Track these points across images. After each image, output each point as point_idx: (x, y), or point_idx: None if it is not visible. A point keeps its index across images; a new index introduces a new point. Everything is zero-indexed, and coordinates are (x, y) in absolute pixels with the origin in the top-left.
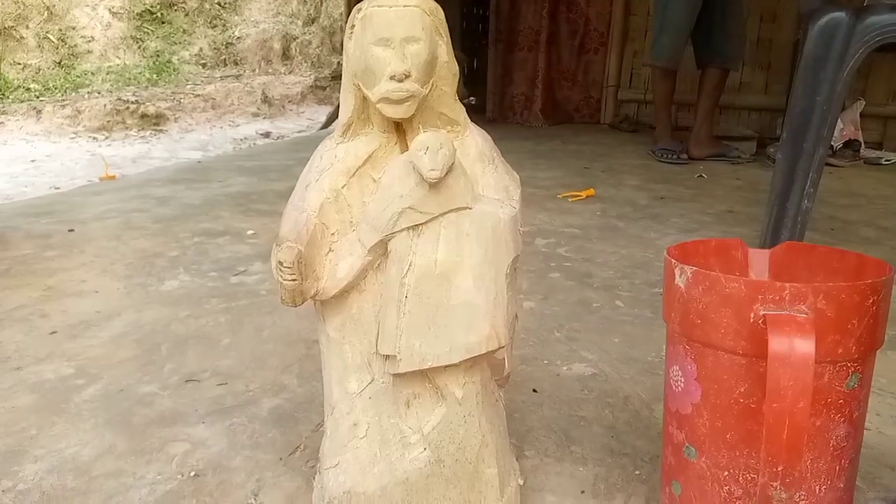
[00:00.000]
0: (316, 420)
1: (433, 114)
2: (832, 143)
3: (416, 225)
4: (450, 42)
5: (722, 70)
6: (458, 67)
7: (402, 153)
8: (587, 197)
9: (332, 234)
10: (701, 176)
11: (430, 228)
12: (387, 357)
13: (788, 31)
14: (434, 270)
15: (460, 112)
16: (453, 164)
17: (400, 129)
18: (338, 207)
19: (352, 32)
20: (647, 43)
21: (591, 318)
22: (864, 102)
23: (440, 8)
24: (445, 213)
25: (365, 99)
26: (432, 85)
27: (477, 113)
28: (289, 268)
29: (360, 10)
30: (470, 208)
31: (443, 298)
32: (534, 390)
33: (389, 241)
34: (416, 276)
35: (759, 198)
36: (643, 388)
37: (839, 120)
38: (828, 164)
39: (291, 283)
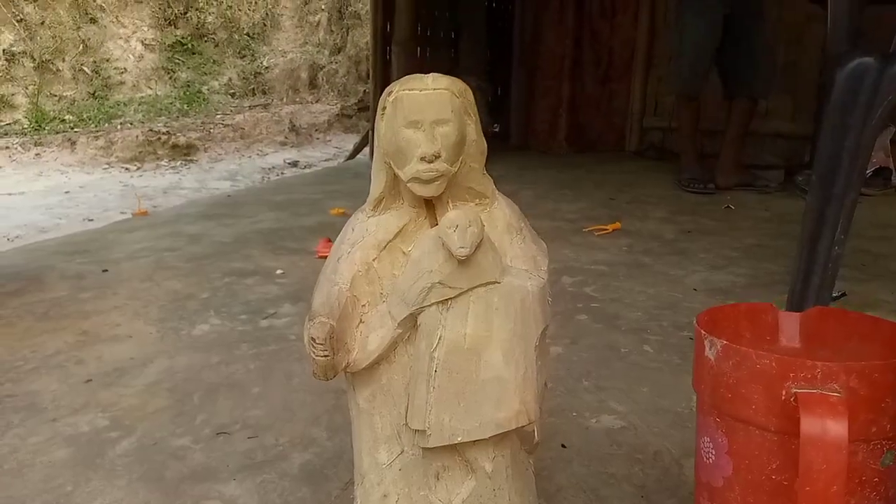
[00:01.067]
0: (345, 477)
1: (462, 189)
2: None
3: (446, 299)
4: (478, 121)
5: (750, 101)
6: (485, 145)
7: (431, 227)
8: (613, 231)
9: (363, 305)
10: (728, 207)
11: (460, 303)
12: (416, 431)
13: (814, 54)
14: (463, 345)
15: (488, 185)
16: (482, 239)
17: (430, 203)
18: (369, 280)
19: (383, 114)
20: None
21: (619, 364)
22: (895, 129)
23: (469, 89)
24: (474, 287)
25: (396, 176)
26: (461, 162)
27: (500, 140)
28: (321, 344)
29: (390, 92)
30: (499, 282)
31: (472, 373)
32: (562, 445)
33: (419, 314)
34: (446, 350)
35: (787, 230)
36: (672, 442)
37: None
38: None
39: (324, 359)
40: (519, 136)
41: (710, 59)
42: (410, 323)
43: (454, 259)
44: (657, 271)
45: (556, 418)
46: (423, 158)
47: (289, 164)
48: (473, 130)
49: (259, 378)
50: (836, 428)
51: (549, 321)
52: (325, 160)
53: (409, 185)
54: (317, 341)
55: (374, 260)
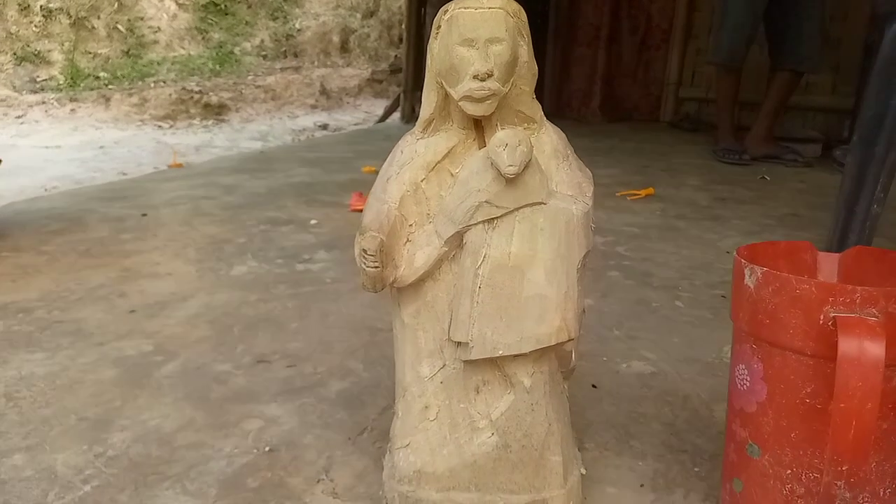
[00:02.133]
0: (382, 404)
1: (511, 111)
2: None
3: (492, 218)
4: (531, 43)
5: (792, 73)
6: (537, 67)
7: (480, 149)
8: (646, 196)
9: (411, 224)
10: (764, 178)
11: (505, 222)
12: (458, 344)
13: (858, 29)
14: (508, 263)
15: (537, 110)
16: (530, 160)
17: (479, 125)
18: (416, 200)
19: (437, 33)
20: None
21: (650, 317)
22: None
23: (523, 10)
24: (520, 207)
25: (447, 96)
26: (512, 84)
27: None
28: (372, 256)
29: (446, 11)
30: (544, 204)
31: (515, 290)
32: (593, 385)
33: (465, 233)
34: (490, 268)
35: (823, 202)
36: (703, 388)
37: None
38: None
39: (374, 270)
40: (553, 105)
41: (754, 31)
42: (456, 241)
43: (502, 179)
44: (690, 235)
45: (587, 362)
46: (475, 76)
47: (319, 126)
48: (526, 52)
49: (296, 315)
50: (874, 348)
51: (591, 246)
52: (355, 124)
53: (460, 103)
54: (368, 252)
55: (422, 181)
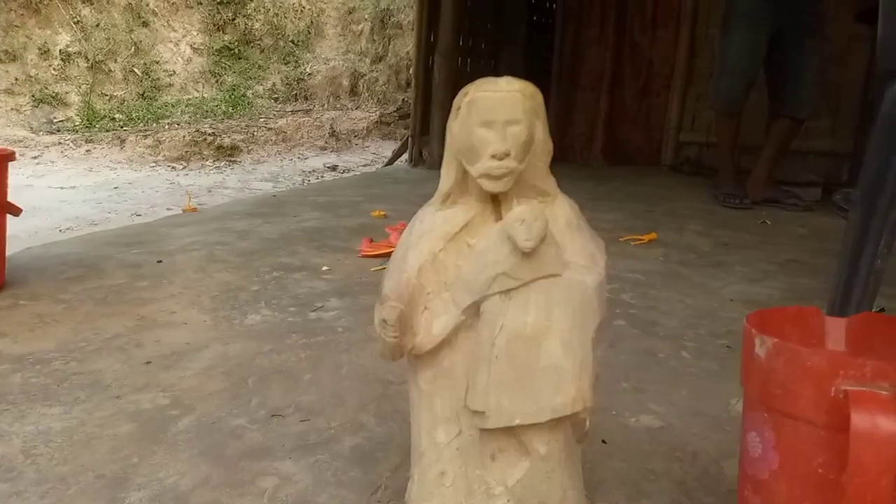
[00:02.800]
0: (394, 461)
1: (527, 185)
2: None
3: (509, 290)
4: (546, 123)
5: (792, 120)
6: (552, 145)
7: (496, 221)
8: (649, 241)
9: (429, 292)
10: (765, 222)
11: (521, 293)
12: (475, 413)
13: (857, 75)
14: (524, 333)
15: (551, 183)
16: (545, 234)
17: (495, 198)
18: (435, 269)
19: (457, 114)
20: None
21: (657, 368)
22: None
23: (539, 92)
24: (536, 279)
25: (465, 172)
26: (528, 161)
27: None
28: (392, 326)
29: (466, 94)
30: (559, 275)
31: (532, 360)
32: (603, 441)
33: (482, 303)
34: (507, 338)
35: (824, 247)
36: (711, 444)
37: None
38: None
39: (393, 340)
40: (556, 148)
41: (753, 78)
42: (473, 310)
43: (519, 252)
44: (694, 282)
45: (597, 416)
46: (494, 156)
47: (328, 167)
48: (541, 131)
49: (309, 366)
50: (886, 423)
51: (605, 315)
52: (364, 165)
53: (479, 180)
54: (388, 322)
55: (440, 251)
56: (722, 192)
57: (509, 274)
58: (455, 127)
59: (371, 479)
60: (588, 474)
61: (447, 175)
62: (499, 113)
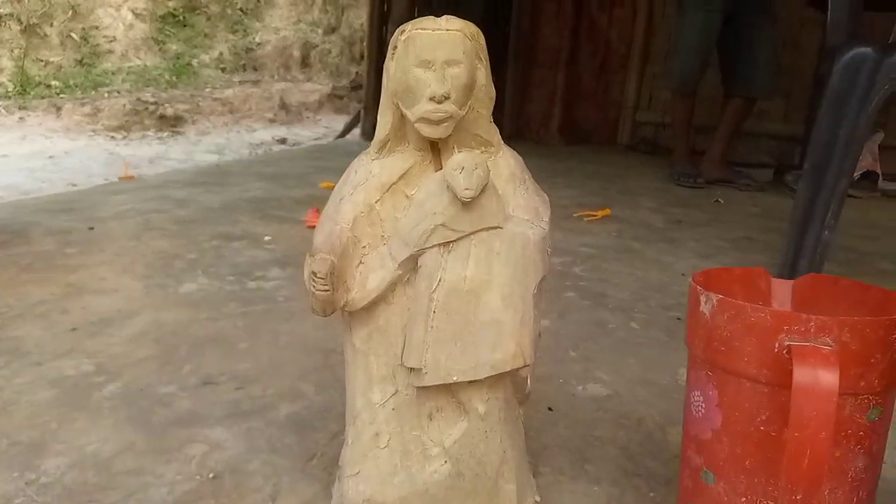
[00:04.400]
0: (333, 429)
1: (468, 135)
2: None
3: (448, 242)
4: (489, 66)
5: (745, 99)
6: (494, 91)
7: (436, 171)
8: (603, 217)
9: (364, 246)
10: (718, 201)
11: (461, 246)
12: (412, 370)
13: (810, 58)
14: (463, 287)
15: (494, 134)
16: (487, 184)
17: (435, 147)
18: (370, 221)
19: (394, 53)
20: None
21: (606, 339)
22: (883, 134)
23: (481, 33)
24: (477, 231)
25: (402, 117)
26: (469, 107)
27: None
28: (322, 279)
29: (403, 31)
30: (501, 228)
31: (470, 315)
32: (549, 409)
33: (420, 256)
34: (445, 292)
35: (775, 225)
36: (657, 411)
37: None
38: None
39: (323, 293)
40: (512, 126)
41: (707, 57)
42: (411, 265)
43: (458, 202)
44: (646, 257)
45: (544, 385)
46: (432, 98)
47: (277, 140)
48: (483, 75)
49: (246, 335)
50: (828, 378)
51: (547, 270)
52: (315, 139)
53: (416, 125)
54: (318, 275)
55: (376, 202)
56: (676, 172)
57: (448, 225)
58: (391, 67)
59: (307, 447)
60: (532, 441)
61: (383, 120)
62: (438, 52)
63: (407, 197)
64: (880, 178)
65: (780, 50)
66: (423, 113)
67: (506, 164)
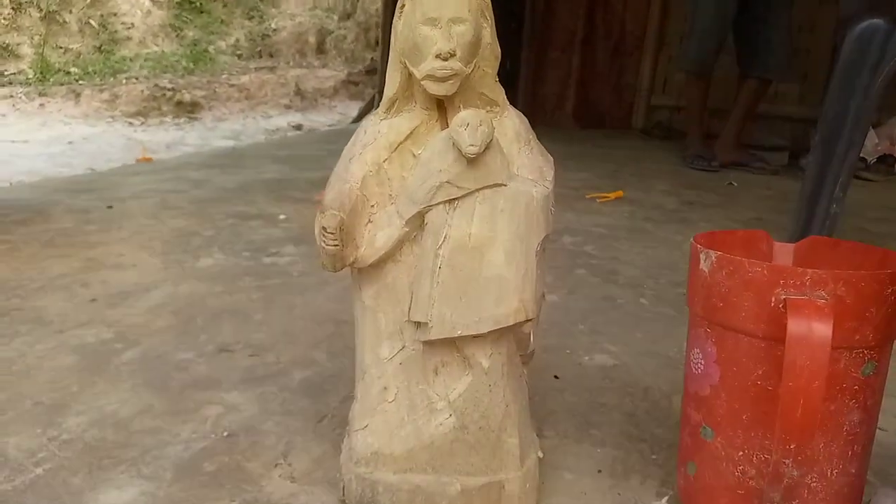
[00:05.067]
0: (344, 392)
1: (474, 94)
2: (867, 157)
3: (453, 199)
4: (494, 25)
5: (760, 81)
6: (500, 50)
7: (442, 130)
8: (615, 199)
9: (373, 205)
10: (731, 184)
11: (466, 203)
12: (418, 325)
13: (826, 40)
14: (468, 244)
15: (500, 93)
16: (491, 141)
17: (441, 107)
18: (379, 180)
19: (401, 12)
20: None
21: (614, 313)
22: None
23: None
24: (481, 188)
25: (410, 76)
26: (475, 65)
27: None
28: (332, 234)
29: None
30: (505, 185)
31: (475, 271)
32: (555, 377)
33: (426, 213)
34: (451, 248)
35: (788, 207)
36: (664, 380)
37: (874, 134)
38: (861, 178)
39: (333, 248)
40: (526, 109)
41: (722, 39)
42: (417, 222)
43: (463, 159)
44: (657, 236)
45: (550, 355)
46: (438, 55)
47: (293, 126)
48: (489, 34)
49: (261, 307)
50: (821, 329)
51: (550, 230)
52: (330, 125)
53: (423, 82)
54: (328, 230)
55: (384, 161)
56: (690, 155)
57: (454, 182)
58: (399, 25)
59: (318, 409)
60: (538, 406)
61: (391, 79)
62: (444, 10)
63: (414, 156)
64: None
65: (795, 32)
66: (429, 70)
67: (511, 123)
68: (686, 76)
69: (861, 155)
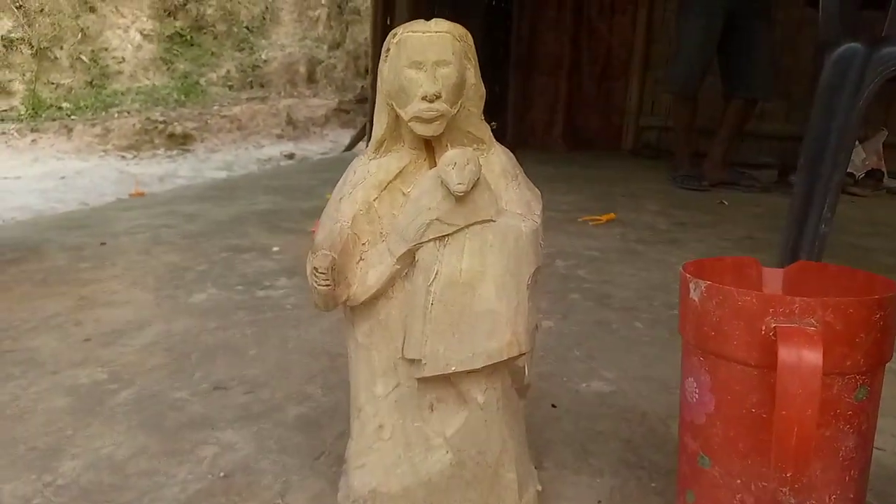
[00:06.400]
0: (340, 428)
1: (460, 132)
2: (855, 172)
3: (443, 236)
4: (477, 66)
5: (746, 101)
6: (484, 90)
7: (430, 169)
8: (607, 221)
9: (364, 244)
10: (722, 203)
11: (456, 239)
12: (412, 362)
13: (808, 59)
14: (459, 279)
15: (486, 131)
16: (478, 179)
17: (429, 146)
18: (369, 219)
19: (387, 56)
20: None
21: (609, 337)
22: (887, 132)
23: (469, 34)
24: (470, 225)
25: (397, 118)
26: (460, 105)
27: (498, 138)
28: (323, 274)
29: (395, 35)
30: (494, 221)
31: (466, 306)
32: (553, 405)
33: (417, 250)
34: (442, 285)
35: (778, 225)
36: (660, 405)
37: (862, 150)
38: (850, 194)
39: (325, 288)
40: (515, 135)
41: (708, 60)
42: (408, 259)
43: (452, 197)
44: (649, 258)
45: (546, 382)
46: (424, 98)
47: (285, 156)
48: (473, 74)
49: (255, 342)
50: (811, 356)
51: (540, 263)
52: (322, 153)
53: (410, 124)
54: (319, 270)
55: (374, 200)
56: (679, 175)
57: (443, 220)
58: (385, 69)
59: (314, 445)
60: (535, 436)
61: (379, 121)
62: (428, 54)
63: (403, 194)
64: (885, 176)
65: (778, 51)
66: (416, 112)
67: (498, 160)
68: (673, 98)
69: (849, 170)
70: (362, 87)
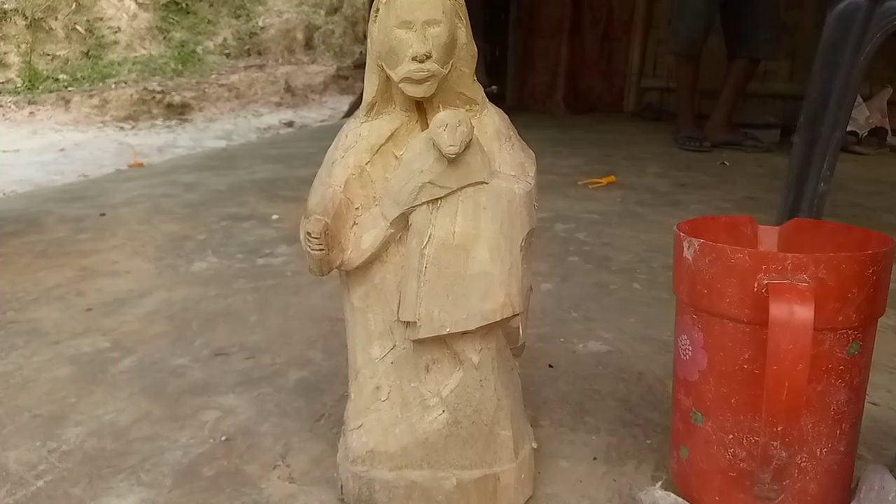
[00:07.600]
0: (340, 391)
1: (452, 93)
2: (859, 131)
3: (436, 199)
4: (469, 25)
5: (749, 61)
6: (476, 49)
7: (422, 131)
8: (608, 184)
9: (357, 208)
10: (724, 163)
11: (449, 202)
12: (407, 324)
13: (814, 17)
14: (452, 242)
15: (478, 91)
16: (471, 140)
17: (421, 108)
18: (362, 183)
19: (376, 16)
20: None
21: (608, 299)
22: (892, 90)
23: None
24: (463, 187)
25: (388, 79)
26: (452, 66)
27: (497, 101)
28: (316, 238)
29: None
30: (487, 183)
31: (460, 268)
32: (549, 365)
33: (410, 214)
34: (435, 248)
35: (780, 185)
36: (657, 364)
37: (865, 108)
38: (853, 152)
39: (318, 252)
40: (516, 97)
41: (710, 20)
42: (402, 223)
43: (444, 159)
44: (650, 220)
45: (544, 343)
46: (414, 58)
47: (284, 124)
48: (464, 34)
49: (256, 308)
50: (803, 312)
51: (534, 225)
52: (321, 121)
53: (400, 85)
54: (312, 235)
55: (367, 164)
56: (682, 136)
57: (435, 182)
58: (374, 30)
59: (315, 409)
60: (532, 395)
61: (370, 83)
62: (418, 13)
63: (396, 158)
64: (889, 134)
65: (782, 10)
66: (406, 73)
67: (491, 121)
68: (675, 58)
69: (853, 129)
70: (360, 52)
